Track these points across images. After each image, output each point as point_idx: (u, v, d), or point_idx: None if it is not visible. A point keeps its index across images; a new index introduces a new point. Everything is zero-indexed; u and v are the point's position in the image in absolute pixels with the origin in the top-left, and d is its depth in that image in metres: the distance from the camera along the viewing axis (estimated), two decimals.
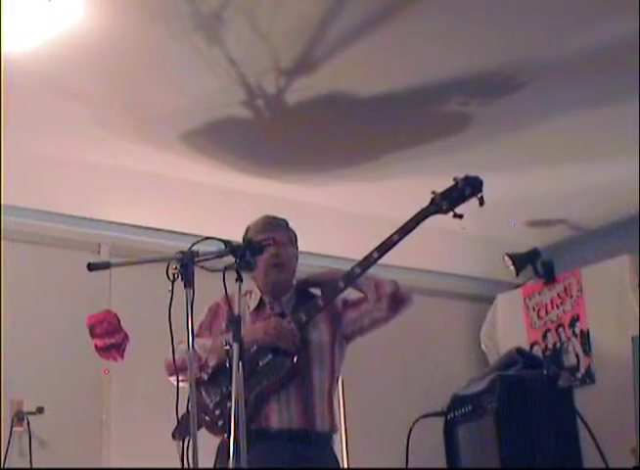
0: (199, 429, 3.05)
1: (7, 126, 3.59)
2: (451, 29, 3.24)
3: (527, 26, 3.25)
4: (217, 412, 3.02)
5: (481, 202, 2.91)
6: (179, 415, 2.70)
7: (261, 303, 3.20)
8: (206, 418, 3.05)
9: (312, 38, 3.18)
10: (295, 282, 3.25)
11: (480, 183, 2.92)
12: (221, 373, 3.00)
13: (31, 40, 3.08)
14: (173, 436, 3.01)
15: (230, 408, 2.85)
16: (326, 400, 3.07)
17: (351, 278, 2.97)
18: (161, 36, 3.14)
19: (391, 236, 2.93)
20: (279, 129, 3.87)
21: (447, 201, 2.92)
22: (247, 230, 3.18)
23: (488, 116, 3.89)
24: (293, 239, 3.22)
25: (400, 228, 2.93)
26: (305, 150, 4.15)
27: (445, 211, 2.93)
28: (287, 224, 3.23)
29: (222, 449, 2.96)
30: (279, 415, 2.98)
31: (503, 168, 4.43)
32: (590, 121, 3.99)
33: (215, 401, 3.06)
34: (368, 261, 2.95)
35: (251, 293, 3.21)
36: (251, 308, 3.18)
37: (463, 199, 2.93)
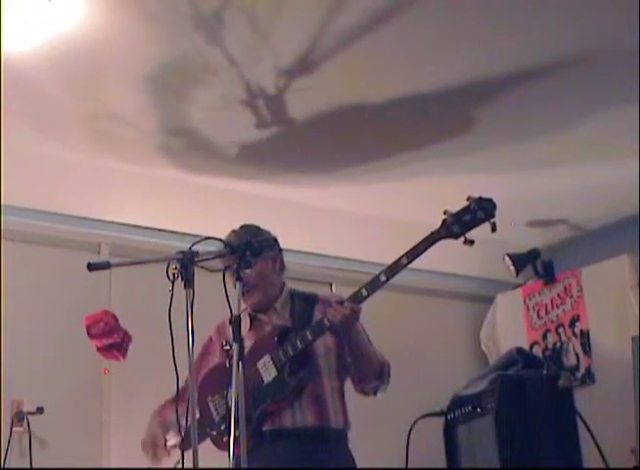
0: (203, 440, 3.06)
1: (7, 126, 3.59)
2: (453, 31, 3.24)
3: (530, 30, 3.25)
4: (223, 427, 3.02)
5: (494, 228, 2.82)
6: (179, 417, 2.70)
7: (253, 319, 3.16)
8: (212, 433, 3.05)
9: (312, 38, 3.18)
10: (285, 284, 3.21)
11: (494, 207, 2.81)
12: (227, 386, 3.00)
13: (31, 40, 3.08)
14: (179, 447, 3.01)
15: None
16: (337, 398, 3.07)
17: (359, 300, 2.94)
18: (162, 36, 3.14)
19: (400, 259, 2.86)
20: (279, 130, 3.87)
21: (459, 225, 2.81)
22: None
23: (489, 117, 3.89)
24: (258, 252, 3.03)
25: (409, 251, 2.84)
26: (305, 151, 4.15)
27: (456, 237, 2.83)
28: (251, 236, 2.96)
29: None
30: (292, 415, 2.98)
31: (503, 169, 4.43)
32: (590, 122, 3.99)
33: (222, 415, 3.06)
34: (376, 284, 2.89)
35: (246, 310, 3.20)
36: (247, 327, 3.14)
37: (475, 223, 2.82)
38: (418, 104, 3.74)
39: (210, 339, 3.26)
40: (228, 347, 2.65)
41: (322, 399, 3.01)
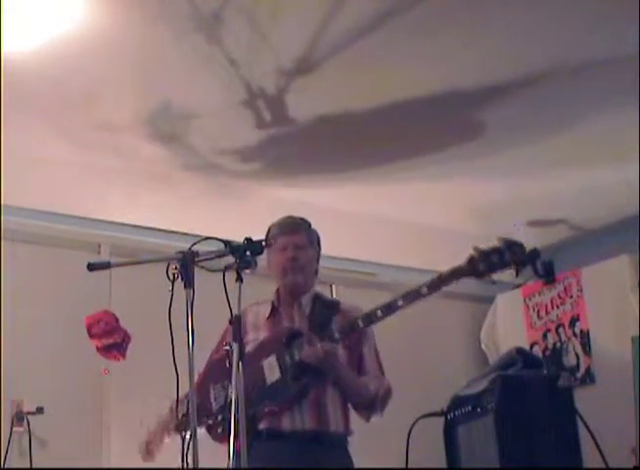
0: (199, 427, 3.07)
1: (7, 126, 3.59)
2: (454, 32, 3.23)
3: (529, 34, 3.26)
4: (220, 417, 3.02)
5: (517, 273, 2.83)
6: (180, 414, 2.70)
7: (274, 310, 3.18)
8: (208, 421, 3.05)
9: (312, 38, 3.18)
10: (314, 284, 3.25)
11: (523, 252, 2.81)
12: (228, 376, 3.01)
13: (32, 40, 3.08)
14: (177, 428, 3.00)
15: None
16: (339, 403, 3.07)
17: (372, 320, 2.93)
18: (162, 37, 3.14)
19: (420, 288, 2.85)
20: (280, 130, 3.87)
21: (485, 264, 2.80)
22: (268, 230, 3.18)
23: (489, 118, 3.89)
24: (313, 240, 3.21)
25: (431, 282, 2.84)
26: (306, 151, 4.14)
27: (480, 276, 2.84)
28: (309, 225, 3.22)
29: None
30: (291, 417, 2.98)
31: (503, 169, 4.43)
32: (591, 122, 3.99)
33: (220, 405, 3.06)
34: (391, 308, 2.89)
35: (269, 301, 3.22)
36: (266, 316, 3.18)
37: (501, 266, 2.81)
38: (418, 106, 3.74)
39: (227, 329, 3.24)
40: (228, 347, 2.65)
41: (323, 404, 3.02)
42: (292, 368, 2.97)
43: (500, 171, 4.44)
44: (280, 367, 2.99)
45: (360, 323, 2.96)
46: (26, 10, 2.90)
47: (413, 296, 2.87)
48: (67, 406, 4.19)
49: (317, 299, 3.22)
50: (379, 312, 2.92)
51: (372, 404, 3.11)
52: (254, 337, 3.14)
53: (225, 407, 3.00)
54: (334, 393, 3.05)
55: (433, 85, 3.60)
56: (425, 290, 2.86)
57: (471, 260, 2.82)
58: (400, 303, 2.88)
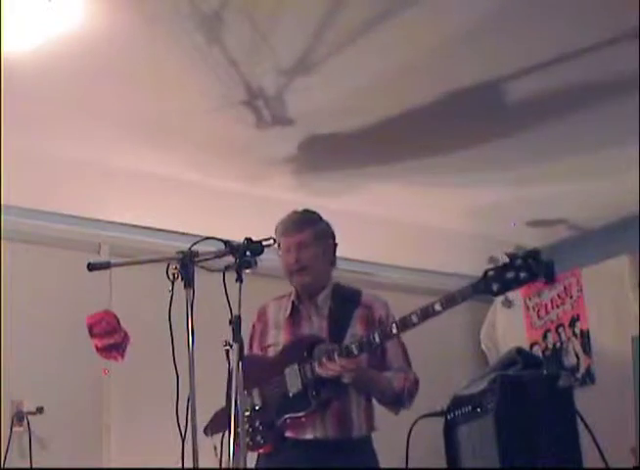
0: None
1: (7, 126, 3.59)
2: (457, 34, 3.23)
3: (535, 39, 3.26)
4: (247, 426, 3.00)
5: (548, 282, 2.71)
6: (179, 416, 2.70)
7: (294, 308, 3.16)
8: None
9: (312, 38, 3.18)
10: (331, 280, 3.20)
11: (540, 267, 2.64)
12: (252, 386, 3.00)
13: (31, 40, 3.08)
14: (205, 432, 3.00)
15: (260, 423, 2.95)
16: (363, 406, 3.07)
17: (386, 336, 2.90)
18: (162, 36, 3.14)
19: (433, 304, 2.78)
20: (278, 130, 3.87)
21: (500, 283, 2.64)
22: (276, 229, 3.14)
23: (491, 119, 3.89)
24: (320, 235, 3.13)
25: (444, 298, 2.77)
26: (305, 151, 4.14)
27: (495, 295, 2.75)
28: (317, 218, 3.15)
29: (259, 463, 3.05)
30: (315, 426, 2.98)
31: (503, 169, 4.43)
32: (591, 122, 3.99)
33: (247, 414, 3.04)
34: (406, 324, 2.85)
35: (290, 295, 3.20)
36: (287, 314, 3.16)
37: (517, 284, 2.67)
38: (419, 106, 3.74)
39: (253, 326, 3.23)
40: (228, 347, 2.65)
41: (347, 412, 3.02)
42: (312, 382, 2.95)
43: (500, 172, 4.44)
44: (301, 379, 2.97)
45: (377, 339, 2.89)
46: (26, 10, 2.90)
47: (426, 313, 2.80)
48: (67, 406, 4.19)
49: (336, 292, 3.17)
50: (394, 328, 2.87)
51: (398, 400, 3.10)
52: (275, 337, 3.14)
53: (250, 416, 2.99)
54: (358, 398, 3.05)
55: (434, 86, 3.60)
56: (438, 308, 2.78)
57: (485, 276, 2.68)
58: (415, 319, 2.82)
